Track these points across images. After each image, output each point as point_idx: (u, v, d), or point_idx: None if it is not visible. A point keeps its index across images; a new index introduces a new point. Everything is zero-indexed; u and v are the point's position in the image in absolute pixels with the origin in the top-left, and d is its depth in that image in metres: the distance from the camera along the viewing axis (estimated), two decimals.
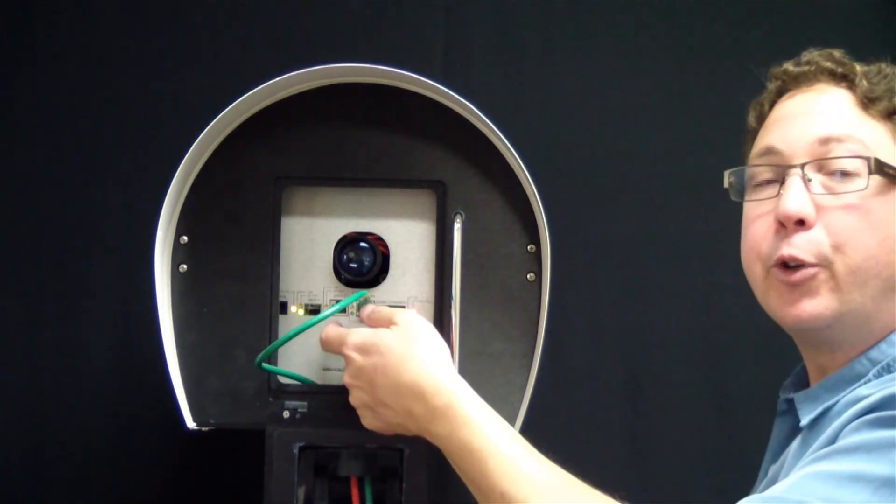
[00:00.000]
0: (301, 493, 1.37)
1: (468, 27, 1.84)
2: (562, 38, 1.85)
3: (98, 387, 1.80)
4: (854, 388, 1.11)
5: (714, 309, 1.82)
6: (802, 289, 1.12)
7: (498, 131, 1.42)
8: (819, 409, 1.13)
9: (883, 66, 1.19)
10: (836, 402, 1.12)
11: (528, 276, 1.44)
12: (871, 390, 1.07)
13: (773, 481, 1.16)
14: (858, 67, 1.19)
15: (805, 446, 1.11)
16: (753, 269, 1.19)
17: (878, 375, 1.11)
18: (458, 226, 1.43)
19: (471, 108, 1.42)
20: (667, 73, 1.84)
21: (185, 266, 1.45)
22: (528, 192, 1.43)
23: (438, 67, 1.82)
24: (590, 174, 1.84)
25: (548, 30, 1.85)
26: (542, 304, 1.42)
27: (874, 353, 1.13)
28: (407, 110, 1.45)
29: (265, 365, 1.40)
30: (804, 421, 1.14)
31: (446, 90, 1.42)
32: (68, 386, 1.79)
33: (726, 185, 1.23)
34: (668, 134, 1.84)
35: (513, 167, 1.44)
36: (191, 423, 1.43)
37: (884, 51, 1.23)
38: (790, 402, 1.18)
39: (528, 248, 1.45)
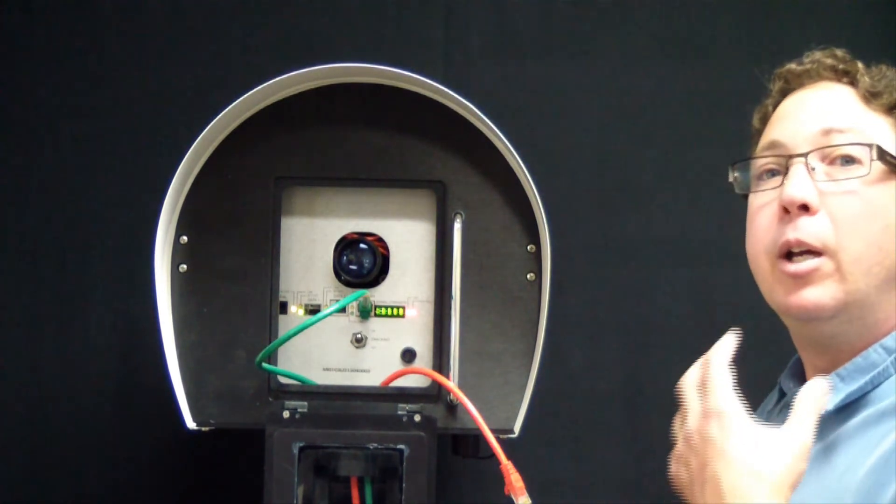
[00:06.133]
0: (301, 493, 1.37)
1: (468, 27, 1.85)
2: (562, 38, 1.85)
3: (98, 387, 1.80)
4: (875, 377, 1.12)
5: (714, 309, 1.82)
6: (807, 279, 1.13)
7: (498, 131, 1.42)
8: (841, 397, 1.12)
9: (884, 67, 1.21)
10: (867, 391, 1.12)
11: (528, 276, 1.44)
12: None
13: None
14: (860, 65, 1.20)
15: (847, 434, 1.11)
16: (759, 262, 1.19)
17: None
18: (458, 226, 1.43)
19: (471, 108, 1.42)
20: (667, 73, 1.84)
21: (185, 266, 1.45)
22: (528, 192, 1.43)
23: (438, 67, 1.82)
24: (590, 174, 1.84)
25: (548, 29, 1.85)
26: (542, 304, 1.42)
27: (889, 342, 1.13)
28: (407, 110, 1.45)
29: (265, 365, 1.40)
30: (828, 408, 1.11)
31: (446, 90, 1.42)
32: (68, 386, 1.79)
33: (731, 178, 1.24)
34: (668, 134, 1.84)
35: (513, 167, 1.44)
36: (191, 423, 1.42)
37: (884, 51, 1.24)
38: None
39: (528, 248, 1.45)
